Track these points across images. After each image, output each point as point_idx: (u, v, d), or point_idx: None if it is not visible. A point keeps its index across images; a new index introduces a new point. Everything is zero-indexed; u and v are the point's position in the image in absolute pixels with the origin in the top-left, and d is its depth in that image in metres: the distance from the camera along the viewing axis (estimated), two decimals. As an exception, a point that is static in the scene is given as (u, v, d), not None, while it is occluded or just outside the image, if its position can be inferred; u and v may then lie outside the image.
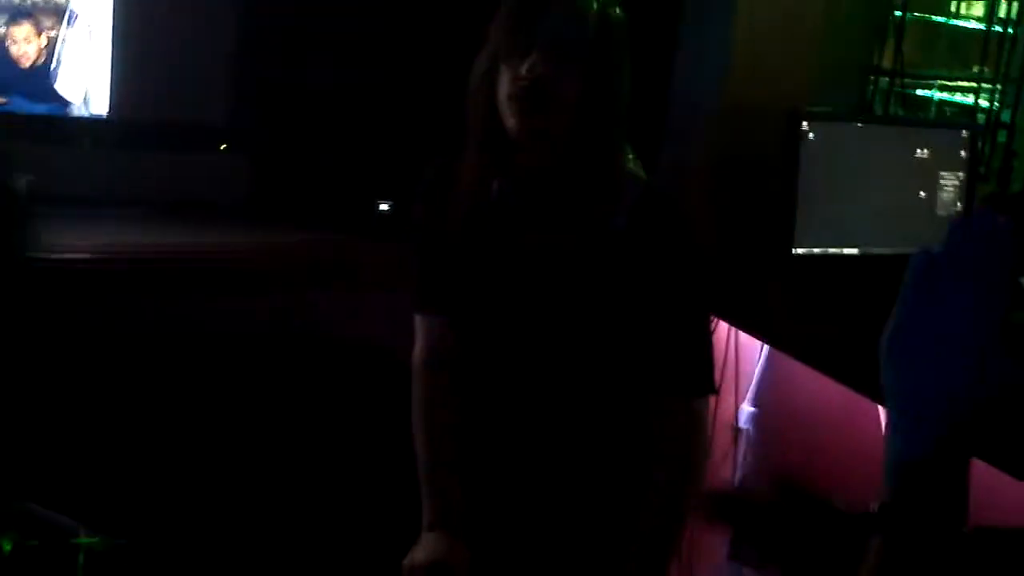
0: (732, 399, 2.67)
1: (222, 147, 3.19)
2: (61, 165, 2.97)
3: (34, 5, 2.94)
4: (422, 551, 1.85)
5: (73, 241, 2.74)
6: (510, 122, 1.75)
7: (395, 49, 3.14)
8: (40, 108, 2.99)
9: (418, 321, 1.97)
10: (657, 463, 1.81)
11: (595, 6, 1.75)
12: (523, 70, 1.71)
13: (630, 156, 1.86)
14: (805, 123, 2.51)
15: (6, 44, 2.93)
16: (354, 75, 3.16)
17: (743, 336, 2.62)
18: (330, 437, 2.87)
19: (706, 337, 1.90)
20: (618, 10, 1.78)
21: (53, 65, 2.98)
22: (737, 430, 2.67)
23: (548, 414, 1.86)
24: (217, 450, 2.81)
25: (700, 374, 1.85)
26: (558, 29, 1.73)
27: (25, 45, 2.94)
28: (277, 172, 3.21)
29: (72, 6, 2.97)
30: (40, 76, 2.97)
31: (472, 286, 1.89)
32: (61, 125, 3.05)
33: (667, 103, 2.79)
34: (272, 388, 2.86)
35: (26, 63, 2.95)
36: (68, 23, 2.98)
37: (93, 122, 3.06)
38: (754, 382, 2.67)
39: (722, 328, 2.61)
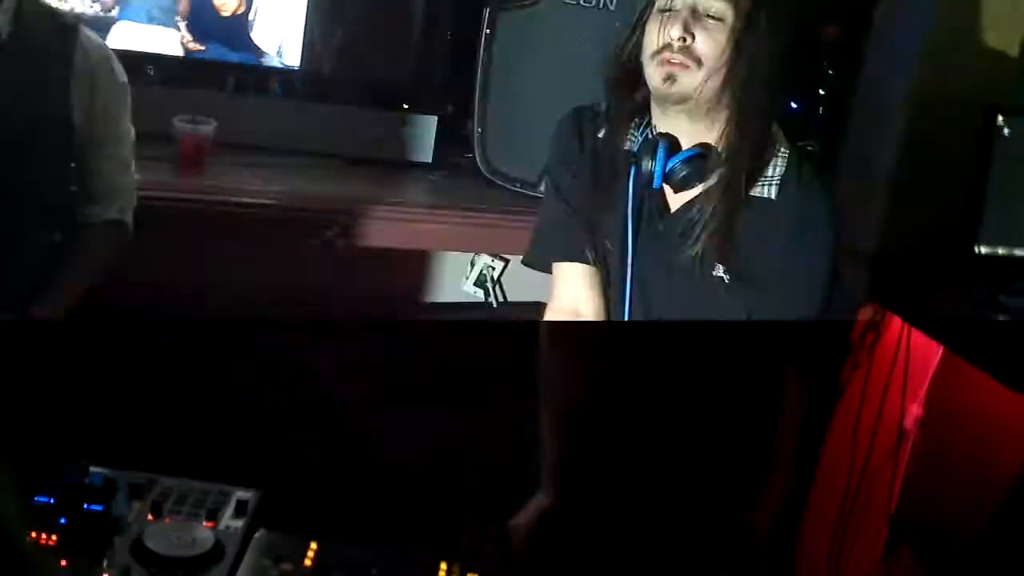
0: (899, 399, 2.57)
1: (406, 106, 3.23)
2: (251, 113, 3.08)
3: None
4: (528, 511, 1.87)
5: (262, 187, 2.83)
6: (654, 80, 1.75)
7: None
8: (234, 56, 3.09)
9: (558, 270, 1.97)
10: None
11: None
12: (671, 30, 1.74)
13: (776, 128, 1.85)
14: (1001, 117, 2.40)
15: (210, -8, 3.04)
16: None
17: (916, 334, 2.53)
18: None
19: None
20: None
21: (251, 15, 3.07)
22: (903, 431, 2.58)
23: (673, 370, 1.85)
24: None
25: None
26: None
27: (227, -6, 3.06)
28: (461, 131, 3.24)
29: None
30: (238, 25, 3.07)
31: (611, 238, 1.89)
32: (254, 74, 3.13)
33: (856, 90, 2.70)
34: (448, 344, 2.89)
35: (226, 12, 3.05)
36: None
37: (284, 72, 3.14)
38: (926, 384, 2.57)
39: (895, 324, 2.52)
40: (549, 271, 2.00)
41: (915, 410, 2.55)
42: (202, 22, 3.04)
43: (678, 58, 1.76)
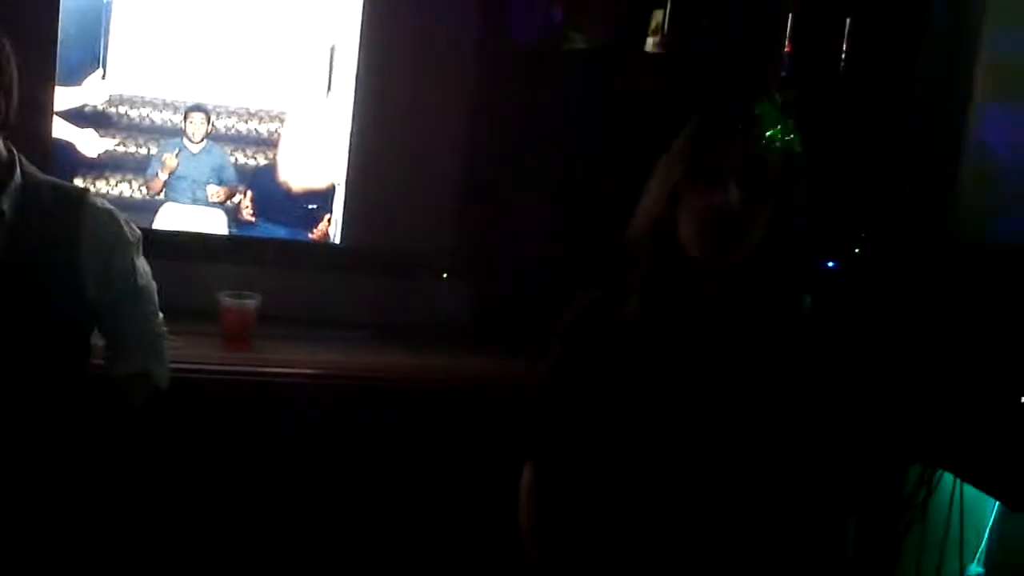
0: (957, 560, 2.51)
1: (444, 275, 3.29)
2: (297, 287, 3.16)
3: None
4: None
5: (302, 358, 2.87)
6: (700, 249, 1.75)
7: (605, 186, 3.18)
8: (281, 232, 3.17)
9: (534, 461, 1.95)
10: None
11: (780, 137, 1.76)
12: (720, 199, 1.72)
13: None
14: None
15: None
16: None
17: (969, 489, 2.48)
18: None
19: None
20: (799, 143, 1.79)
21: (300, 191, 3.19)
22: (963, 591, 2.52)
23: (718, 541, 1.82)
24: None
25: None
26: (751, 159, 1.75)
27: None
28: (496, 299, 3.28)
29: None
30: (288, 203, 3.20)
31: (631, 417, 1.83)
32: (297, 249, 3.22)
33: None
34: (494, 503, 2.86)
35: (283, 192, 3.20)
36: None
37: (327, 248, 3.23)
38: (984, 540, 2.51)
39: (946, 480, 2.48)
40: None
41: (976, 569, 2.49)
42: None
43: (728, 229, 1.75)
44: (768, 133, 1.76)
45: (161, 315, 2.31)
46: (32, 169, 2.08)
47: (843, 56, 2.74)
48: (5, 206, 2.02)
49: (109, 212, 2.16)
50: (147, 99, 3.09)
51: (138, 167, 3.10)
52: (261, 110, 3.15)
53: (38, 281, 2.04)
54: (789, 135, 1.78)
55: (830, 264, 2.80)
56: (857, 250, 2.83)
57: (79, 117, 3.04)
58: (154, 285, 2.28)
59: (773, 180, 1.76)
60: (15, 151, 2.05)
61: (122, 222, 2.18)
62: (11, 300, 2.00)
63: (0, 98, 1.97)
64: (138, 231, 2.23)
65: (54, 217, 2.07)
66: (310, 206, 3.20)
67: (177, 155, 3.10)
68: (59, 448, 2.11)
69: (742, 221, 1.74)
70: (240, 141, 3.15)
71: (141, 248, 2.23)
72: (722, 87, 2.79)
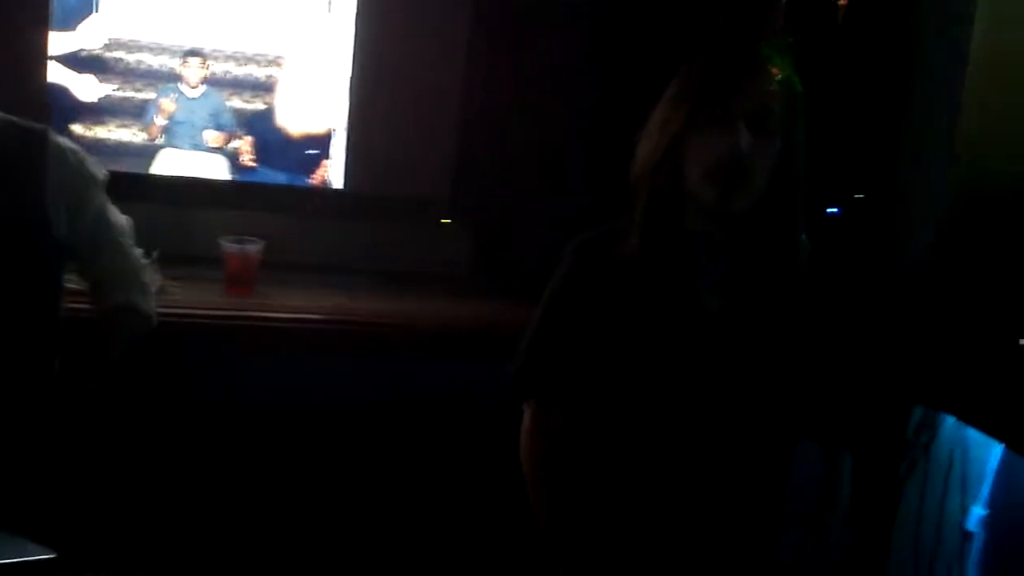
0: (959, 499, 2.52)
1: (443, 220, 3.28)
2: (297, 233, 3.15)
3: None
4: None
5: (303, 303, 2.86)
6: (709, 193, 1.74)
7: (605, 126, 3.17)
8: (281, 177, 3.16)
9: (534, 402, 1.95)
10: None
11: (782, 77, 1.75)
12: (731, 144, 1.71)
13: None
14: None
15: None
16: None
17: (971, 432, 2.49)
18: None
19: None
20: (798, 81, 1.78)
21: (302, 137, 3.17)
22: (965, 533, 2.52)
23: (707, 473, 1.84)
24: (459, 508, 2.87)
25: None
26: (758, 102, 1.73)
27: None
28: (496, 245, 3.27)
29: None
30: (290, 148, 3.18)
31: (631, 355, 1.83)
32: (298, 195, 3.20)
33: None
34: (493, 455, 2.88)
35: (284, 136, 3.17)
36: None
37: (328, 193, 3.22)
38: (987, 482, 2.52)
39: (948, 422, 2.49)
40: None
41: (979, 511, 2.50)
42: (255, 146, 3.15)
43: (739, 174, 1.72)
44: (775, 76, 1.75)
45: (140, 250, 2.30)
46: None
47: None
48: None
49: (73, 151, 2.15)
50: (143, 43, 3.05)
51: (136, 112, 3.07)
52: (258, 54, 3.11)
53: (5, 219, 2.02)
54: (791, 77, 1.77)
55: (832, 209, 2.80)
56: (859, 195, 2.83)
57: (75, 62, 3.01)
58: (129, 219, 2.27)
59: (778, 124, 1.74)
60: None
61: (86, 160, 2.17)
62: None
63: None
64: (105, 171, 2.21)
65: (17, 155, 2.05)
66: (308, 151, 3.18)
67: (174, 100, 3.08)
68: (38, 392, 2.11)
69: (751, 165, 1.72)
70: (237, 86, 3.12)
71: (104, 187, 2.22)
72: (722, 31, 2.78)
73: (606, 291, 1.83)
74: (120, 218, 2.25)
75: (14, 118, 2.10)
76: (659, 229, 1.80)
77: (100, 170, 2.20)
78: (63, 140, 2.16)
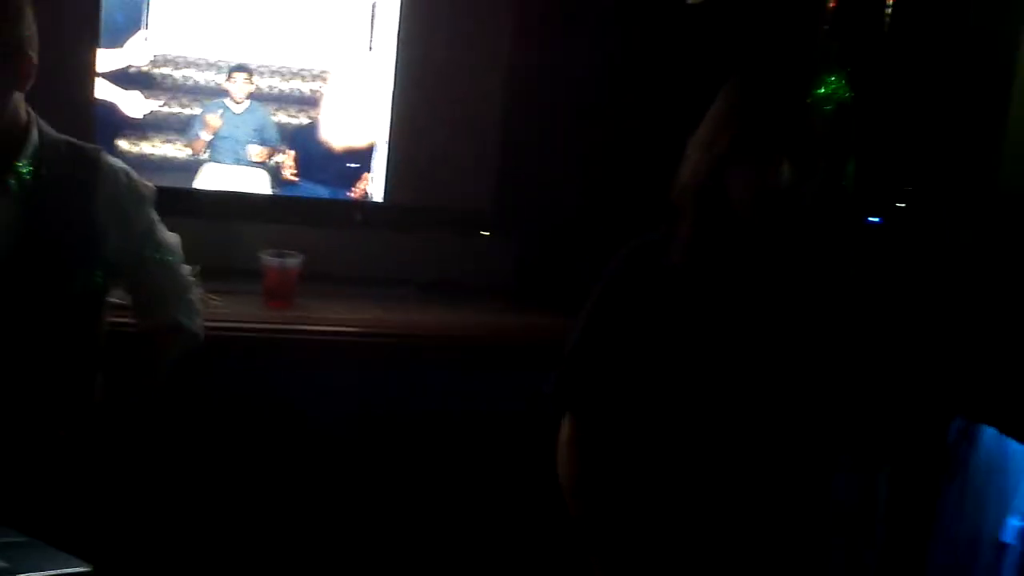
0: (996, 511, 2.50)
1: (485, 232, 3.30)
2: (338, 246, 3.19)
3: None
4: None
5: (344, 316, 2.90)
6: (750, 216, 1.76)
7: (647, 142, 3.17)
8: (322, 191, 3.20)
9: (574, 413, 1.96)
10: None
11: (830, 92, 1.75)
12: (771, 178, 1.73)
13: None
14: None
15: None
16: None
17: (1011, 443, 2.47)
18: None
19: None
20: (846, 90, 1.79)
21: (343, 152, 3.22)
22: (1000, 545, 2.50)
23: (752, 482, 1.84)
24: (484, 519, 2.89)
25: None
26: (800, 132, 1.74)
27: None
28: (538, 258, 3.29)
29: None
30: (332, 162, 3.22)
31: (676, 365, 1.85)
32: (339, 208, 3.24)
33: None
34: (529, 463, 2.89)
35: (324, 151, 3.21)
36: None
37: (369, 206, 3.26)
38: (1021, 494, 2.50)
39: (987, 433, 2.47)
40: None
41: (1015, 522, 2.48)
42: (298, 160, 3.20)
43: (779, 206, 1.76)
44: (818, 92, 1.75)
45: (188, 267, 2.33)
46: (48, 128, 2.11)
47: (887, 8, 2.70)
48: (23, 166, 2.05)
49: (125, 171, 2.20)
50: (190, 59, 3.11)
51: (181, 127, 3.13)
52: (303, 69, 3.16)
53: (56, 238, 2.07)
54: (838, 87, 1.77)
55: (874, 219, 2.78)
56: (901, 204, 2.81)
57: (123, 79, 3.07)
58: (177, 237, 2.30)
59: (823, 144, 1.75)
60: (31, 112, 2.08)
61: (135, 178, 2.21)
62: (30, 256, 2.04)
63: (16, 57, 1.98)
64: (153, 187, 2.25)
65: (71, 175, 2.10)
66: (350, 164, 3.22)
67: (220, 115, 3.13)
68: (78, 406, 2.15)
69: (792, 196, 1.74)
70: (283, 100, 3.17)
71: (152, 205, 2.25)
72: (763, 40, 2.77)
73: (654, 299, 1.85)
74: (169, 236, 2.29)
75: (69, 138, 2.15)
76: (705, 245, 1.82)
77: (149, 189, 2.24)
78: (115, 160, 2.21)
